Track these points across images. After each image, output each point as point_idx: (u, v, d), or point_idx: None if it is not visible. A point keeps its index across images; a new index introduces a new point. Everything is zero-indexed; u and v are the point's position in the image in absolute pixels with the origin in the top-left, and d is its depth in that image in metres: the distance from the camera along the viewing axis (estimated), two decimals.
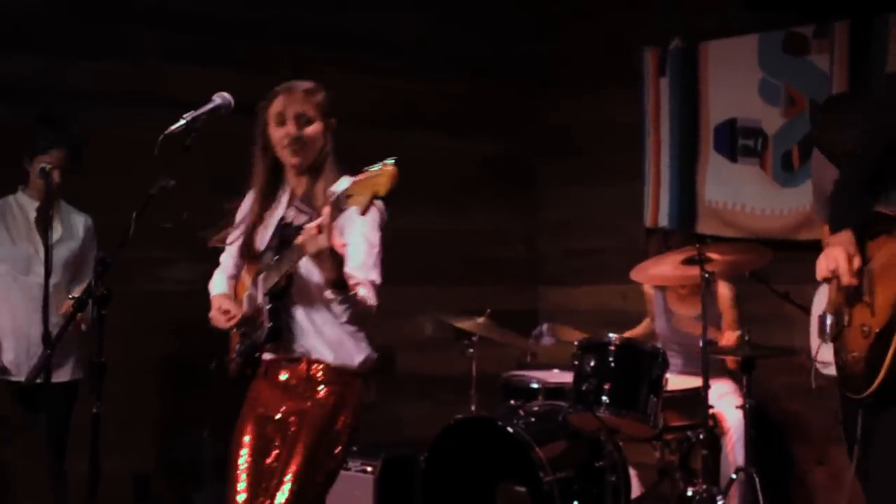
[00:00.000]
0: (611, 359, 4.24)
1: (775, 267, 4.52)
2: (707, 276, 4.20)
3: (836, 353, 2.91)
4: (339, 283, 2.84)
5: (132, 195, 2.88)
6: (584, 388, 4.20)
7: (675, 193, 5.47)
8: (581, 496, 4.31)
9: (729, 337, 4.53)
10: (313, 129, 3.04)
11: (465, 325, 4.76)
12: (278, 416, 3.07)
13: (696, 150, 5.41)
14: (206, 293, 5.30)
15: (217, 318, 3.15)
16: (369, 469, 4.66)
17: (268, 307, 3.03)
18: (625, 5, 5.75)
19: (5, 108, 4.43)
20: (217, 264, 3.32)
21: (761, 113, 5.16)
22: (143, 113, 4.64)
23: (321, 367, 3.05)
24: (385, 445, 4.81)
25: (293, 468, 2.96)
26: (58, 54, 4.78)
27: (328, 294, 2.88)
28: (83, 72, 4.82)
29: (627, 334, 5.05)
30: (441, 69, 5.82)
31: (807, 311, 4.44)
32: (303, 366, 3.06)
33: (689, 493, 4.31)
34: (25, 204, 4.15)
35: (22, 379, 4.05)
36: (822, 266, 2.83)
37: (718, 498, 4.23)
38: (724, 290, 4.75)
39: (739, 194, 5.22)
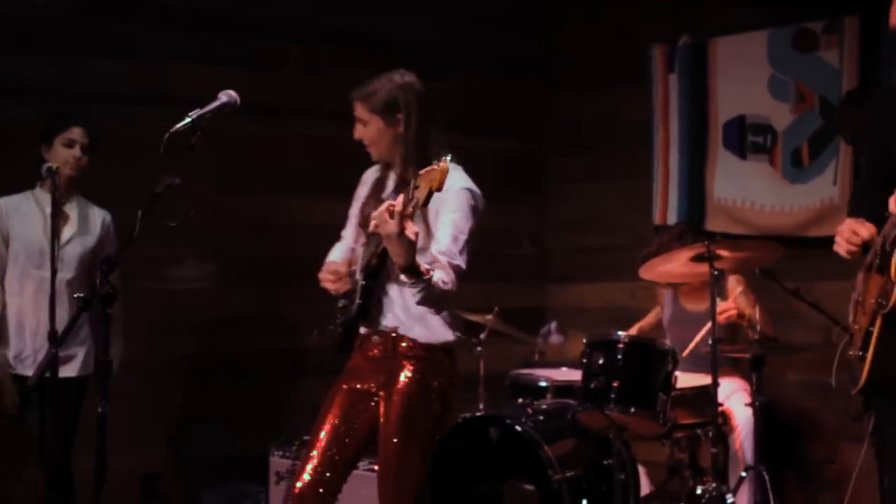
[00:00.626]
0: (620, 356, 4.22)
1: (785, 264, 4.49)
2: (716, 273, 4.18)
3: (849, 351, 2.93)
4: (409, 269, 2.89)
5: (139, 194, 2.88)
6: (592, 385, 4.18)
7: (684, 191, 5.45)
8: (590, 495, 4.30)
9: (728, 305, 4.47)
10: (370, 130, 3.23)
11: (475, 318, 4.76)
12: (367, 388, 3.23)
13: (705, 147, 5.39)
14: (212, 292, 5.33)
15: (324, 278, 3.26)
16: (377, 468, 4.64)
17: (362, 283, 3.15)
18: (633, 2, 5.73)
19: (16, 109, 4.44)
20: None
21: (770, 109, 5.13)
22: (152, 112, 4.64)
23: (409, 343, 3.19)
24: None
25: (393, 446, 3.16)
26: (67, 54, 4.78)
27: (402, 277, 2.95)
28: (92, 71, 4.82)
29: (637, 325, 5.06)
30: (450, 68, 5.80)
31: (817, 308, 4.43)
32: (390, 340, 3.21)
33: (699, 490, 4.29)
34: (42, 199, 4.14)
35: (28, 373, 4.05)
36: (839, 242, 2.83)
37: (728, 496, 4.21)
38: (732, 285, 4.72)
39: (748, 191, 5.20)
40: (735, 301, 4.54)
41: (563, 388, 4.60)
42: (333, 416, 3.25)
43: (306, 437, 4.51)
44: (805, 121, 5.02)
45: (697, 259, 4.27)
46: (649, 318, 5.10)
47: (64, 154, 4.06)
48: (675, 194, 5.48)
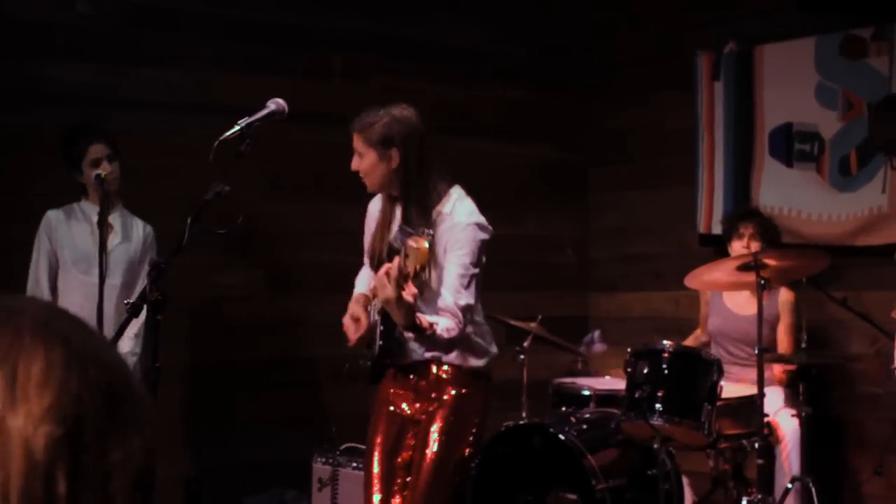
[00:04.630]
0: (665, 366, 4.19)
1: (832, 273, 4.45)
2: (763, 282, 4.15)
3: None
4: (411, 328, 2.97)
5: (185, 202, 2.91)
6: (637, 395, 4.15)
7: (730, 199, 5.40)
8: None
9: (784, 347, 4.50)
10: (365, 162, 3.27)
11: (519, 325, 4.75)
12: (410, 413, 3.33)
13: (751, 155, 5.34)
14: (259, 299, 5.36)
15: (347, 327, 3.35)
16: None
17: (380, 328, 3.21)
18: (678, 10, 5.70)
19: (61, 116, 4.49)
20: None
21: (818, 117, 5.08)
22: (196, 120, 4.69)
23: (448, 368, 3.29)
24: None
25: (426, 469, 3.24)
26: (111, 63, 4.83)
27: (406, 334, 3.04)
28: (137, 80, 4.86)
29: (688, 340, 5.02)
30: (494, 76, 5.81)
31: (865, 317, 4.38)
32: (431, 368, 3.31)
33: (744, 502, 4.25)
34: (88, 209, 4.23)
35: None
36: None
37: None
38: (785, 294, 4.70)
39: (795, 200, 5.15)
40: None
41: (606, 398, 4.58)
42: (379, 454, 3.35)
43: (348, 445, 4.56)
44: (853, 129, 4.97)
45: (743, 268, 4.24)
46: (688, 341, 5.04)
47: (95, 174, 4.10)
48: (720, 203, 5.43)
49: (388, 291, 2.83)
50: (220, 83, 4.99)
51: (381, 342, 3.22)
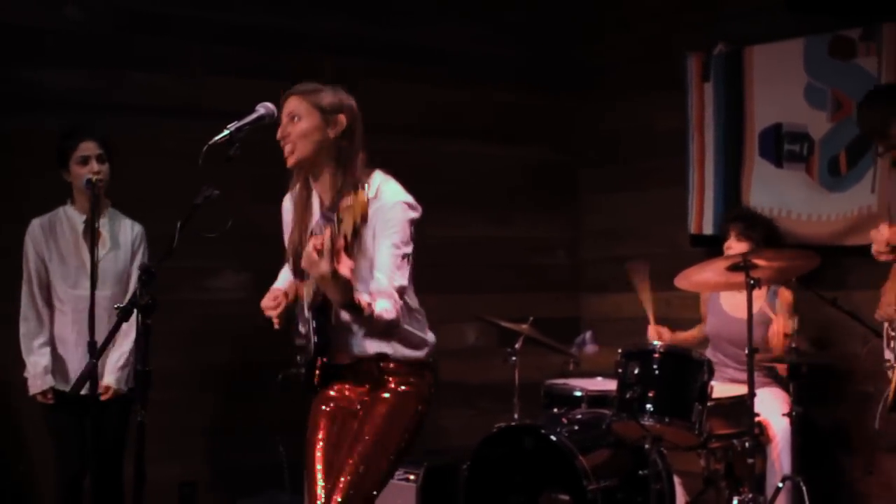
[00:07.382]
0: (655, 366, 4.21)
1: (822, 273, 4.46)
2: (753, 282, 4.16)
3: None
4: (349, 306, 2.81)
5: (176, 206, 2.91)
6: (628, 395, 4.17)
7: (720, 199, 5.42)
8: None
9: (777, 331, 4.48)
10: (303, 125, 3.06)
11: (510, 327, 4.76)
12: (350, 405, 3.17)
13: (741, 155, 5.36)
14: (251, 302, 5.34)
15: (266, 306, 3.20)
16: (412, 477, 4.67)
17: (313, 325, 3.06)
18: (668, 11, 5.72)
19: (52, 121, 4.49)
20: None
21: (807, 118, 5.10)
22: (187, 124, 4.69)
23: (388, 363, 3.13)
24: (427, 453, 4.81)
25: (356, 455, 3.04)
26: (102, 67, 4.84)
27: (342, 314, 2.88)
28: (127, 84, 4.87)
29: (679, 335, 5.01)
30: (484, 77, 5.82)
31: (854, 317, 4.39)
32: (370, 363, 3.14)
33: (735, 502, 4.27)
34: (73, 217, 4.17)
35: (67, 389, 4.10)
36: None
37: None
38: (785, 293, 4.71)
39: (785, 200, 5.17)
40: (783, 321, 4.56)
41: (597, 398, 4.59)
42: (321, 448, 3.15)
43: None
44: (842, 129, 4.98)
45: (734, 268, 4.25)
46: (691, 334, 5.07)
47: (82, 172, 4.07)
48: (711, 203, 5.45)
49: (323, 267, 2.63)
50: (210, 87, 5.00)
51: (316, 339, 3.05)
